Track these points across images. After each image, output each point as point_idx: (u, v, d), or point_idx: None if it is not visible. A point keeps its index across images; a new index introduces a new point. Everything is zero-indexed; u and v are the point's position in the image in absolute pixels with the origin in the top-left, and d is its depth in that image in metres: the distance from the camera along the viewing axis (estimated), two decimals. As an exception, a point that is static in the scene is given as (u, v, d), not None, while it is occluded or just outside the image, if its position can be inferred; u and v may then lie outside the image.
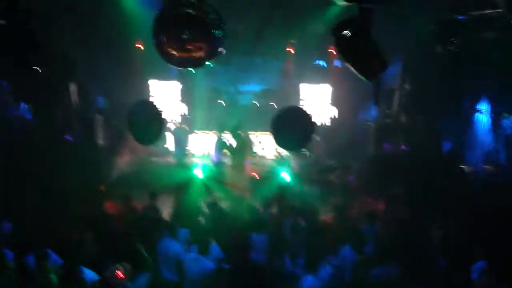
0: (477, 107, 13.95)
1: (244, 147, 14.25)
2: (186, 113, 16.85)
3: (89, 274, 7.35)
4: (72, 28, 12.88)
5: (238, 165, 13.98)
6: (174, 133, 15.88)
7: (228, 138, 14.33)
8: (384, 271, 7.45)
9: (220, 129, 14.80)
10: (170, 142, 16.13)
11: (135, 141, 11.01)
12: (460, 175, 12.97)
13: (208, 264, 7.75)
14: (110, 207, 10.37)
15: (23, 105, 13.91)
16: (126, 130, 9.20)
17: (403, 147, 14.24)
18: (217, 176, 13.80)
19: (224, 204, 10.87)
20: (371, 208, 10.47)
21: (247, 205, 10.57)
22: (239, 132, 14.35)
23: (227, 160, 14.54)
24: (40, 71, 8.00)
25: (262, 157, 15.90)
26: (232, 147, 14.09)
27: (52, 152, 12.44)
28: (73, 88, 13.95)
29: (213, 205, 10.41)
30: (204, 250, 8.10)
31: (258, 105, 18.27)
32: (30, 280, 7.41)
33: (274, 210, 10.56)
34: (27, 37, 7.40)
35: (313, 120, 9.91)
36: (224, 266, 7.86)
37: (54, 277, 7.04)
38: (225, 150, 14.44)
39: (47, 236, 8.32)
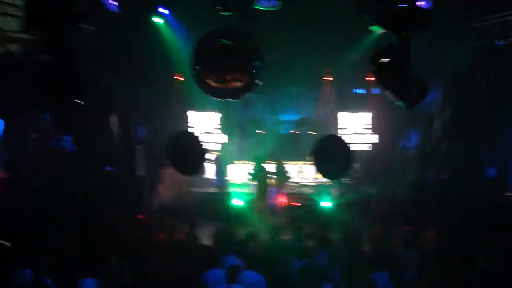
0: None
1: (264, 178, 14.26)
2: (226, 143, 16.88)
3: None
4: (112, 60, 13.16)
5: (261, 196, 14.08)
6: (215, 163, 15.93)
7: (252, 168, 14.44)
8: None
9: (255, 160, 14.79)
10: (210, 172, 16.20)
11: (175, 171, 11.12)
12: (504, 202, 12.64)
13: None
14: (151, 236, 10.38)
15: (67, 138, 14.21)
16: (166, 160, 9.27)
17: (444, 175, 13.99)
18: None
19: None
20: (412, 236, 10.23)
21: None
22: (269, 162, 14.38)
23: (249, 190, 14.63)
24: (82, 103, 8.18)
25: (302, 186, 15.72)
26: (256, 176, 14.10)
27: (94, 183, 12.63)
28: (114, 119, 14.20)
29: (251, 235, 10.33)
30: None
31: (297, 133, 18.29)
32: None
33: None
34: (69, 69, 7.58)
35: (351, 148, 9.87)
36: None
37: None
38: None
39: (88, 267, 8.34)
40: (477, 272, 8.76)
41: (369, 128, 16.86)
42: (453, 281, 8.19)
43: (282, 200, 14.28)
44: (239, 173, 16.12)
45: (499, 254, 9.06)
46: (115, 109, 14.11)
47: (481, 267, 8.80)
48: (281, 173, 14.64)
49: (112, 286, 7.43)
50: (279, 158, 15.05)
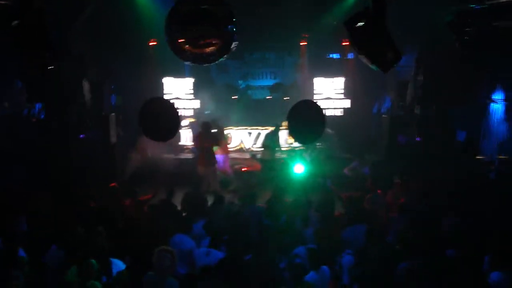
0: (492, 96, 13.85)
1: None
2: (198, 108, 16.80)
3: (118, 263, 7.48)
4: (84, 27, 12.95)
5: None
6: (190, 129, 15.87)
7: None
8: (407, 265, 7.37)
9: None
10: (186, 139, 16.17)
11: (149, 139, 11.10)
12: (474, 165, 12.89)
13: (220, 256, 7.74)
14: (123, 203, 10.39)
15: (38, 105, 14.04)
16: (139, 128, 9.22)
17: (417, 138, 14.17)
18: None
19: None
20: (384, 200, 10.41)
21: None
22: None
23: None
24: (53, 69, 8.06)
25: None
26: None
27: (66, 150, 12.55)
28: (86, 86, 14.03)
29: (220, 199, 10.40)
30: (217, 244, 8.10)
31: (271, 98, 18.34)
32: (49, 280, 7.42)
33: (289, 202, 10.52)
34: (40, 36, 7.45)
35: (325, 113, 9.94)
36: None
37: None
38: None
39: (60, 232, 8.33)
40: (444, 233, 8.98)
41: (343, 93, 16.92)
42: (423, 242, 8.34)
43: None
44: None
45: (466, 215, 9.28)
46: (87, 76, 13.92)
47: (448, 227, 9.03)
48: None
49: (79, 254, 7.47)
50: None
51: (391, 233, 9.02)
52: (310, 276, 7.13)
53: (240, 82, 18.90)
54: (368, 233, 8.25)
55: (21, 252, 7.56)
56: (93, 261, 7.00)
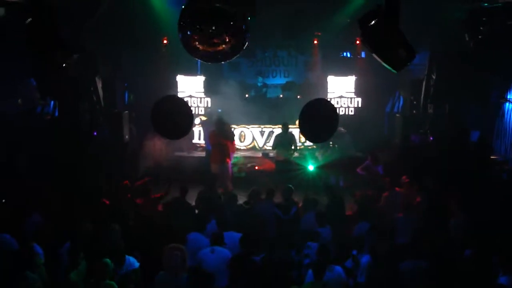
0: (506, 96, 13.76)
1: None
2: (209, 106, 16.83)
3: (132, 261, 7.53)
4: (97, 24, 12.99)
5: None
6: (202, 127, 15.91)
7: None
8: (416, 264, 7.36)
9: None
10: (198, 137, 16.21)
11: (161, 137, 11.12)
12: (488, 164, 12.80)
13: (225, 253, 7.77)
14: (135, 201, 10.44)
15: (52, 103, 14.13)
16: (152, 126, 9.25)
17: (431, 138, 14.10)
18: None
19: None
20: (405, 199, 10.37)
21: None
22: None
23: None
24: (65, 67, 8.11)
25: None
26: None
27: (78, 148, 12.61)
28: (99, 84, 14.09)
29: (233, 196, 10.46)
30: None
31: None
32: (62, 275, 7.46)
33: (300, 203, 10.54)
34: (53, 34, 7.49)
35: (337, 112, 9.91)
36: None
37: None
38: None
39: (74, 229, 8.39)
40: (453, 233, 8.96)
41: (356, 92, 16.87)
42: (433, 242, 8.33)
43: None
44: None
45: (478, 213, 9.24)
46: (99, 73, 13.97)
47: (457, 228, 8.99)
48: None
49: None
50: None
51: (400, 232, 9.03)
52: (325, 275, 7.14)
53: (259, 79, 18.85)
54: (373, 231, 8.28)
55: (37, 248, 7.62)
56: (108, 260, 7.01)
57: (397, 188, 10.78)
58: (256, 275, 7.34)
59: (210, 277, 6.83)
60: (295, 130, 14.15)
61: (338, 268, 7.43)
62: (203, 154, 15.18)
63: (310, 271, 7.30)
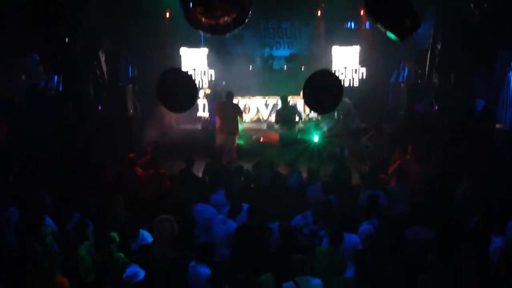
0: (511, 65, 13.65)
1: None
2: (213, 79, 16.80)
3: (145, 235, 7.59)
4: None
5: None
6: (207, 100, 15.89)
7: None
8: (420, 232, 7.40)
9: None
10: (203, 109, 16.23)
11: (166, 109, 11.12)
12: (493, 133, 12.76)
13: (234, 225, 7.84)
14: (141, 174, 10.50)
15: (56, 78, 14.09)
16: (157, 99, 9.25)
17: (436, 107, 14.05)
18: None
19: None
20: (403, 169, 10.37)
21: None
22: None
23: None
24: (68, 41, 8.09)
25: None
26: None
27: (82, 122, 12.62)
28: (102, 58, 14.04)
29: (239, 168, 10.49)
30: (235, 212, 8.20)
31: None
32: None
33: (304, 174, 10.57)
34: (55, 8, 7.46)
35: (342, 82, 9.87)
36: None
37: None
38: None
39: (80, 203, 8.46)
40: (458, 201, 8.99)
41: (361, 62, 16.79)
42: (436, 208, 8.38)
43: None
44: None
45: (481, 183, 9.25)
46: (102, 47, 13.91)
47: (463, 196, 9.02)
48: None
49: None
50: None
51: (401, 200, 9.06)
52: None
53: (266, 49, 18.77)
54: (372, 199, 8.31)
55: (48, 221, 7.70)
56: (115, 234, 7.07)
57: (407, 156, 10.76)
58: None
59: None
60: (299, 101, 14.08)
61: (354, 237, 7.48)
62: (209, 128, 15.18)
63: (325, 240, 7.39)
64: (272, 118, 15.91)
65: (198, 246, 7.07)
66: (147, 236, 7.61)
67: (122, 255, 6.98)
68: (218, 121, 13.45)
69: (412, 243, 7.31)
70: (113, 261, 6.86)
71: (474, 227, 7.51)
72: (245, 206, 8.29)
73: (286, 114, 13.61)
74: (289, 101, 13.87)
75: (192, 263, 6.71)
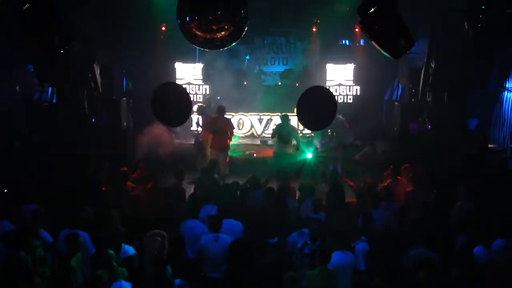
0: (504, 84, 13.74)
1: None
2: (208, 94, 16.82)
3: (127, 248, 7.53)
4: (95, 10, 12.94)
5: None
6: (200, 114, 15.86)
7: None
8: (423, 253, 7.34)
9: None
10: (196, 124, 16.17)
11: (160, 123, 11.08)
12: (485, 153, 12.79)
13: (229, 240, 7.77)
14: (133, 188, 10.44)
15: (50, 89, 14.06)
16: (151, 112, 9.22)
17: (429, 126, 14.10)
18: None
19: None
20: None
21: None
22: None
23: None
24: (63, 53, 8.07)
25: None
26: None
27: (76, 134, 12.57)
28: (97, 71, 14.04)
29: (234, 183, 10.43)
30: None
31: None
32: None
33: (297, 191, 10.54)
34: (50, 20, 7.44)
35: (335, 99, 9.85)
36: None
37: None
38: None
39: (73, 216, 8.38)
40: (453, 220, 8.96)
41: (355, 80, 16.87)
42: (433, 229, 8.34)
43: None
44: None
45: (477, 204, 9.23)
46: (96, 60, 13.91)
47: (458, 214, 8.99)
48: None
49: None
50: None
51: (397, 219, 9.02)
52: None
53: (246, 57, 18.88)
54: (366, 218, 8.27)
55: (43, 233, 7.65)
56: (111, 251, 7.01)
57: (399, 177, 10.73)
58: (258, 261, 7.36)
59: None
60: (293, 118, 14.04)
61: (350, 254, 7.44)
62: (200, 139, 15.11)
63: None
64: (266, 134, 15.93)
65: (185, 262, 7.02)
66: (128, 249, 7.56)
67: (123, 269, 6.94)
68: (208, 136, 13.36)
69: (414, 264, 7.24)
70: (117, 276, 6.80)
71: (461, 246, 7.49)
72: (235, 222, 8.25)
73: (283, 132, 13.45)
74: (290, 120, 13.70)
75: (177, 281, 6.66)
